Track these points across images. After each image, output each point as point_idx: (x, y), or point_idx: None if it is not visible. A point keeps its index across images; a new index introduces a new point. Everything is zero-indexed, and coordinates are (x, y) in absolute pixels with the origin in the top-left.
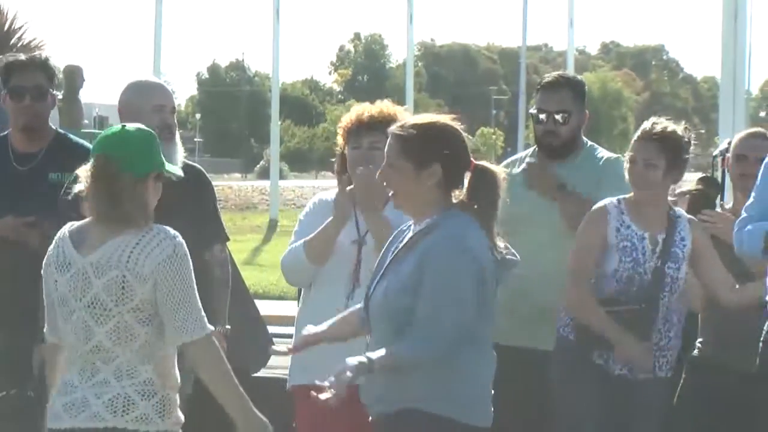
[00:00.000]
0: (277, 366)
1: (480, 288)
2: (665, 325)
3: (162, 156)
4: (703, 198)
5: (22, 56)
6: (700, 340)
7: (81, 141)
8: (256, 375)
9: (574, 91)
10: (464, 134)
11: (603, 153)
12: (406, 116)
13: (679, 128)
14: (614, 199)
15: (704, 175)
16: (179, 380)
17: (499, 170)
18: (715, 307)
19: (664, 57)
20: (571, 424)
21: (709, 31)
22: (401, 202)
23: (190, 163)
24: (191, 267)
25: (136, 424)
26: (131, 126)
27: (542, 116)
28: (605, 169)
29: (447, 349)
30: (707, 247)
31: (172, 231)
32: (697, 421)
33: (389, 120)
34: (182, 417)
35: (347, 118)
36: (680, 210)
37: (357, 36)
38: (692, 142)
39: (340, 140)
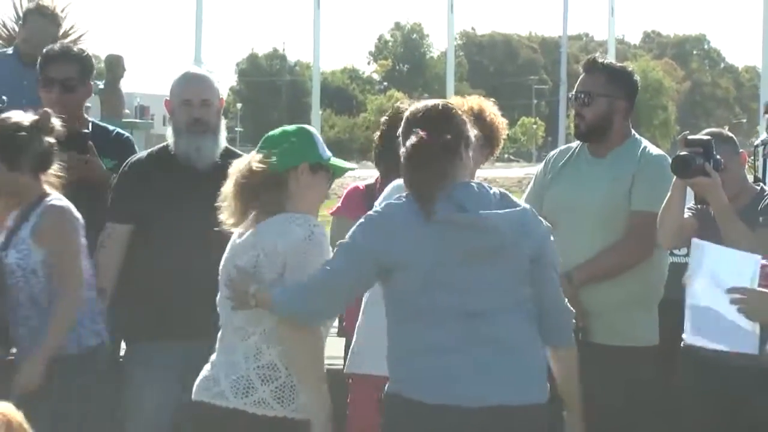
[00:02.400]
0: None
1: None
2: None
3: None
4: None
5: (57, 47)
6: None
7: (118, 129)
8: None
9: (609, 75)
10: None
11: (647, 147)
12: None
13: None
14: None
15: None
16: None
17: None
18: None
19: (705, 46)
20: None
21: (750, 20)
22: None
23: (236, 151)
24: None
25: (254, 408)
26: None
27: (572, 98)
28: (643, 165)
29: None
30: None
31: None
32: (705, 411)
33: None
34: (308, 404)
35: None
36: None
37: (397, 25)
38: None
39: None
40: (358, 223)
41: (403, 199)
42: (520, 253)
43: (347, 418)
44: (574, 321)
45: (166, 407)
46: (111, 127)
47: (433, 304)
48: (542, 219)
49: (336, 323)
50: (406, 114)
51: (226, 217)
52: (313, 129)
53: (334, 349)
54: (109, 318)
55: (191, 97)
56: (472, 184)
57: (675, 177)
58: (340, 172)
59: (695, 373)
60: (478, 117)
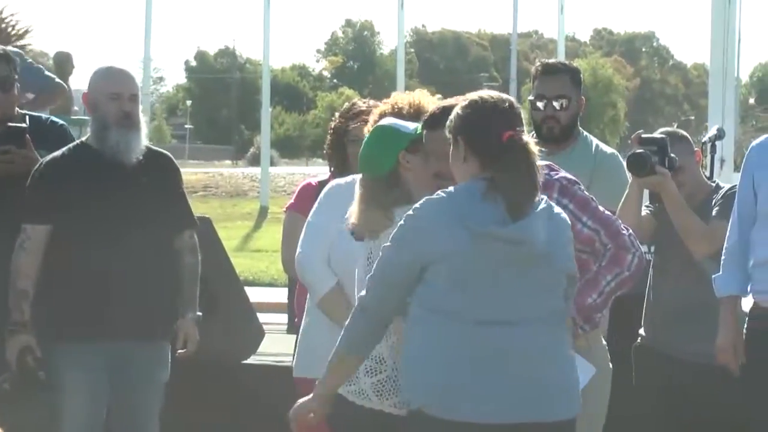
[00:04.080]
0: (268, 353)
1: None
2: None
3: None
4: None
5: None
6: (642, 328)
7: (52, 118)
8: (246, 362)
9: (573, 77)
10: None
11: (599, 146)
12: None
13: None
14: None
15: None
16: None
17: None
18: (658, 292)
19: (655, 44)
20: None
21: (699, 18)
22: None
23: (158, 149)
24: None
25: (353, 396)
26: None
27: (540, 103)
28: (599, 163)
29: None
30: None
31: None
32: (659, 408)
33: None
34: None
35: (382, 109)
36: None
37: (348, 22)
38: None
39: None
40: (399, 224)
41: (441, 195)
42: (557, 266)
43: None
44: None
45: (98, 412)
46: (44, 116)
47: (461, 308)
48: None
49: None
50: (479, 106)
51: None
52: (384, 120)
53: (283, 345)
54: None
55: (121, 91)
56: None
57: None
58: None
59: (649, 371)
60: (418, 112)
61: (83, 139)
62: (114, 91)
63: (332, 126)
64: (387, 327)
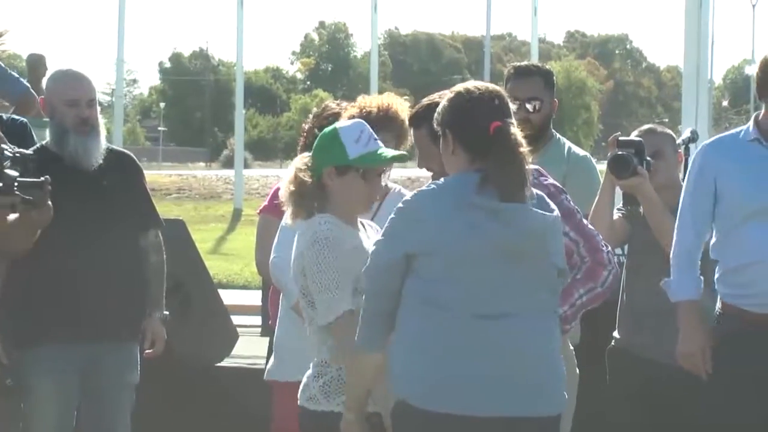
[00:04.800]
0: (242, 356)
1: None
2: None
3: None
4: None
5: None
6: (616, 331)
7: (12, 116)
8: (220, 364)
9: (545, 79)
10: None
11: (572, 148)
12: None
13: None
14: None
15: None
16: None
17: None
18: (631, 295)
19: (628, 46)
20: None
21: (672, 20)
22: None
23: (120, 149)
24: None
25: (306, 403)
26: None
27: (513, 105)
28: (572, 165)
29: None
30: None
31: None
32: (633, 411)
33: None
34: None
35: (351, 112)
36: None
37: (322, 24)
38: None
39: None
40: (392, 216)
41: (434, 186)
42: (548, 259)
43: (272, 424)
44: None
45: (68, 416)
46: (5, 116)
47: (450, 299)
48: None
49: (260, 322)
50: (465, 97)
51: (288, 217)
52: (350, 125)
53: (257, 348)
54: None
55: (79, 97)
56: None
57: (604, 178)
58: (378, 163)
59: (623, 373)
60: (387, 115)
61: (43, 142)
62: (72, 97)
63: (305, 128)
64: (394, 316)
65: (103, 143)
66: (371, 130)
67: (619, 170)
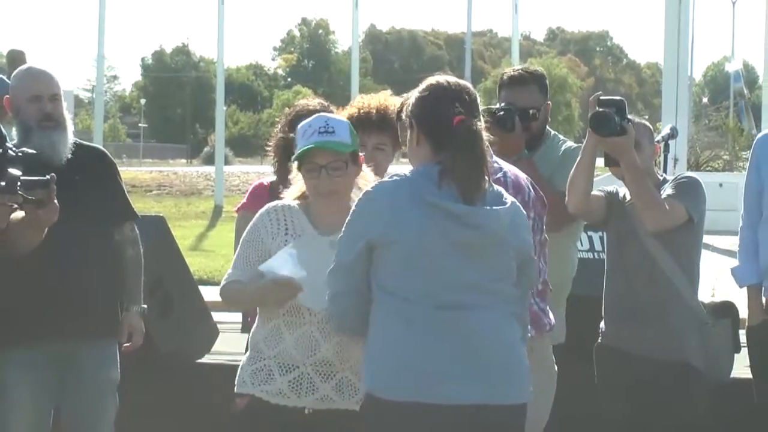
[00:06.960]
0: (222, 352)
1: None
2: None
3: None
4: None
5: None
6: (601, 326)
7: None
8: (201, 361)
9: (539, 85)
10: None
11: (566, 143)
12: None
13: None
14: None
15: None
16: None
17: None
18: (612, 292)
19: (608, 43)
20: None
21: (652, 17)
22: None
23: (90, 144)
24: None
25: (268, 396)
26: None
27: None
28: (564, 157)
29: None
30: None
31: None
32: (619, 406)
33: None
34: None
35: (350, 112)
36: None
37: (304, 21)
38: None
39: None
40: (353, 209)
41: (396, 178)
42: (508, 252)
43: None
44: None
45: (44, 417)
46: None
47: (410, 289)
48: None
49: (240, 319)
50: (439, 89)
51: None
52: (308, 120)
53: (237, 344)
54: None
55: (41, 92)
56: None
57: (586, 139)
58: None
59: (610, 369)
60: (386, 116)
61: (13, 142)
62: (34, 93)
63: (281, 125)
64: (367, 302)
65: (71, 138)
66: (327, 123)
67: (601, 127)
